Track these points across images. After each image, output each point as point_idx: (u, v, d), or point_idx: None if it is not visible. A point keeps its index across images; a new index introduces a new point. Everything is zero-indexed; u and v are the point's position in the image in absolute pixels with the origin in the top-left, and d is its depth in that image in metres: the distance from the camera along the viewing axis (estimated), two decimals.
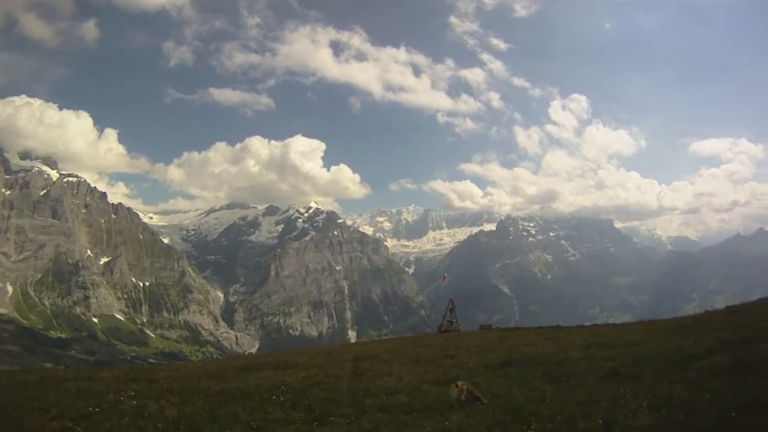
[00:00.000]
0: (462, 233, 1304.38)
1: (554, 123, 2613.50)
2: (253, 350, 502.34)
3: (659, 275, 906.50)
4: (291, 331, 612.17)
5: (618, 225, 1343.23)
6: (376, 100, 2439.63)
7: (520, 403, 19.84)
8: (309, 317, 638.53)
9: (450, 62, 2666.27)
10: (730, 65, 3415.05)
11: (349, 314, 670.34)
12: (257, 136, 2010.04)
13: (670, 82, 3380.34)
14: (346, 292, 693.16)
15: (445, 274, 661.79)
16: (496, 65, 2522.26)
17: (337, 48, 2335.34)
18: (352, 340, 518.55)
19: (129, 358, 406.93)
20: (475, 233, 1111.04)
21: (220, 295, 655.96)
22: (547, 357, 31.19)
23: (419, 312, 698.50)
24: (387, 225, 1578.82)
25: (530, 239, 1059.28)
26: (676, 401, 16.40)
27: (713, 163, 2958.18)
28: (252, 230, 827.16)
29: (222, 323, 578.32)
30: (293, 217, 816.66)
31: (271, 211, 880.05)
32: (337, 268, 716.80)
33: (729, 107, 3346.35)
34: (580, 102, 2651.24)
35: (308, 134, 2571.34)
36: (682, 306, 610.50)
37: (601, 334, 45.29)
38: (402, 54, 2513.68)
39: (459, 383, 19.68)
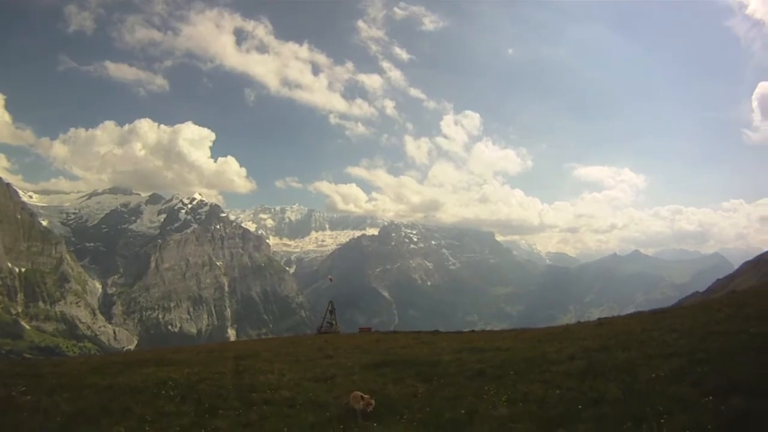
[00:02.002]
0: (344, 236, 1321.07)
1: (445, 136, 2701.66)
2: (132, 346, 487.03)
3: (537, 287, 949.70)
4: (170, 327, 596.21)
5: (499, 238, 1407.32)
6: (271, 94, 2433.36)
7: (394, 398, 21.56)
8: (188, 313, 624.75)
9: (350, 65, 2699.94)
10: (621, 104, 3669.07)
11: (228, 312, 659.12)
12: (147, 119, 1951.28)
13: (563, 112, 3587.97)
14: (226, 288, 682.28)
15: (331, 276, 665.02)
16: (396, 74, 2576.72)
17: (240, 36, 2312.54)
18: (232, 339, 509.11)
19: (3, 351, 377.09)
20: (358, 237, 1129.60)
21: (98, 285, 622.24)
22: (421, 359, 32.83)
23: (299, 312, 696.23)
24: (270, 222, 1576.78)
25: (412, 246, 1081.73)
26: (532, 397, 18.65)
27: (595, 188, 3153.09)
28: (133, 218, 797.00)
29: (100, 316, 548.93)
30: (176, 208, 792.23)
31: (154, 199, 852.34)
32: (218, 263, 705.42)
33: (616, 140, 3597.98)
34: (472, 119, 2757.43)
35: (199, 122, 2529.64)
36: (558, 317, 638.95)
37: (475, 340, 47.60)
38: (304, 51, 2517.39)
39: (365, 396, 19.72)
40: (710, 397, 14.07)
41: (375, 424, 18.00)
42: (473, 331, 77.78)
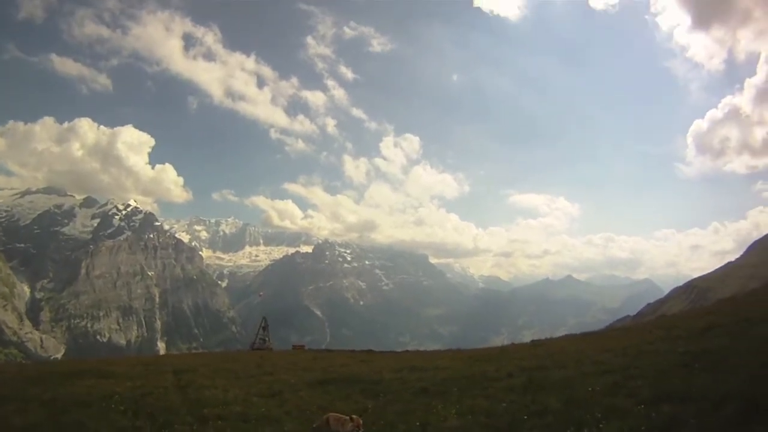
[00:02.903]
0: (278, 252, 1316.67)
1: (384, 157, 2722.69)
2: (59, 355, 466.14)
3: (470, 309, 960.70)
4: (99, 336, 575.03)
5: (433, 260, 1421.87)
6: (214, 103, 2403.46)
7: (349, 412, 21.40)
8: (118, 323, 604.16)
9: (295, 80, 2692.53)
10: (560, 134, 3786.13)
11: (158, 324, 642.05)
12: (87, 118, 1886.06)
13: (503, 139, 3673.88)
14: (157, 300, 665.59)
15: (262, 292, 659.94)
16: (339, 92, 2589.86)
17: (189, 41, 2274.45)
18: (161, 352, 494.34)
19: None
20: (292, 253, 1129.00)
21: (27, 289, 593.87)
22: (363, 377, 33.43)
23: (230, 327, 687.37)
24: (204, 234, 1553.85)
25: (345, 265, 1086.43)
26: (479, 410, 19.96)
27: (530, 215, 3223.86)
28: (66, 221, 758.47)
29: (27, 322, 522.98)
30: (110, 213, 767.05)
31: (88, 203, 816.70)
32: (150, 273, 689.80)
33: (553, 169, 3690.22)
34: (412, 142, 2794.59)
35: (139, 126, 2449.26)
36: (490, 338, 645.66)
37: (412, 359, 48.47)
38: (250, 63, 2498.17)
39: (354, 417, 18.84)
40: (642, 406, 15.85)
41: None
42: (407, 351, 78.74)
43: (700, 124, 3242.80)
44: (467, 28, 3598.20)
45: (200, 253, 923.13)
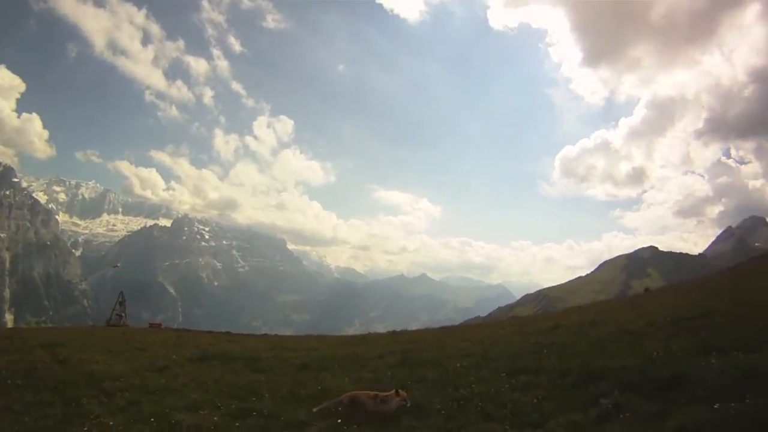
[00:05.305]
0: (137, 223, 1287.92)
1: (255, 137, 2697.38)
2: None
3: (324, 298, 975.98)
4: None
5: (291, 246, 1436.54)
6: (94, 54, 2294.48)
7: (244, 384, 23.61)
8: None
9: (181, 43, 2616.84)
10: (433, 139, 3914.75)
11: (7, 293, 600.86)
12: None
13: (377, 135, 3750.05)
14: (7, 265, 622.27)
15: (118, 263, 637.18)
16: (223, 63, 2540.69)
17: None
18: (9, 325, 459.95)
19: None
20: (150, 226, 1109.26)
21: None
22: (240, 354, 34.27)
23: (81, 301, 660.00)
24: (63, 197, 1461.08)
25: (203, 243, 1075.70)
26: (367, 379, 23.20)
27: (392, 212, 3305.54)
28: None
29: None
30: None
31: None
32: (2, 235, 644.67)
33: (421, 171, 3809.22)
34: (286, 125, 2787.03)
35: (12, 68, 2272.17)
36: (343, 328, 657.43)
37: (279, 341, 50.60)
38: (141, 16, 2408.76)
39: (399, 391, 17.27)
40: (504, 374, 20.05)
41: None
42: (266, 334, 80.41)
43: (569, 150, 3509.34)
44: (364, 20, 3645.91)
45: (57, 217, 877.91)
